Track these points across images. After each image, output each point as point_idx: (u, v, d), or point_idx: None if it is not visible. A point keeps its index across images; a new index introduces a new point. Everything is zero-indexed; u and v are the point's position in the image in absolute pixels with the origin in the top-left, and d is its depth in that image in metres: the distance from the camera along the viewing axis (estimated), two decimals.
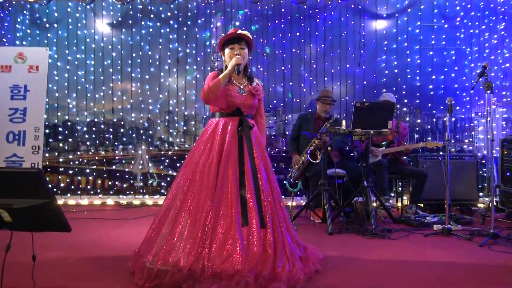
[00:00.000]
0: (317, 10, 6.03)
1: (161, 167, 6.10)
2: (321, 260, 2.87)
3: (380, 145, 4.95)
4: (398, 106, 5.88)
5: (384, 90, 5.79)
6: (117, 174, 6.07)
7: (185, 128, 6.18)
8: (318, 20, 6.04)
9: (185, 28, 6.08)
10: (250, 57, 3.07)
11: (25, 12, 6.06)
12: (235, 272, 2.33)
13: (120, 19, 6.08)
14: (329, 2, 5.98)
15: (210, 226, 2.49)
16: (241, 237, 2.45)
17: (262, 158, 2.78)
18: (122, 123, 6.14)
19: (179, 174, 2.79)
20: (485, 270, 2.87)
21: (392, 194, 5.44)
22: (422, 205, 5.08)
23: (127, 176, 6.07)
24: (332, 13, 6.02)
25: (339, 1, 5.95)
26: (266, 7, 6.03)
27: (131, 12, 6.08)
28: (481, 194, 5.53)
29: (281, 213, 2.71)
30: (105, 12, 6.07)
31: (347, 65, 6.02)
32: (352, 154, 5.12)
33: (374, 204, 4.45)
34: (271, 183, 2.76)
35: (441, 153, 5.30)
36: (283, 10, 6.03)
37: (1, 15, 6.03)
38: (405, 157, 5.09)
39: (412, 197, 4.90)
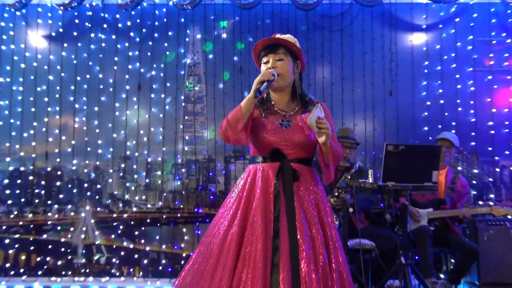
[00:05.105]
0: (330, 18, 6.16)
1: (113, 236, 6.01)
2: None
3: (425, 206, 4.94)
4: (457, 153, 5.88)
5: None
6: (49, 247, 5.95)
7: (147, 180, 6.13)
8: (332, 33, 6.16)
9: (150, 43, 6.16)
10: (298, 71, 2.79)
11: None
12: None
13: (61, 29, 6.17)
14: (346, 10, 6.11)
15: None
16: None
17: (310, 226, 2.58)
18: (58, 173, 6.08)
19: (197, 246, 2.70)
20: None
21: (442, 276, 5.34)
22: None
23: (63, 250, 5.94)
24: (352, 23, 6.14)
25: (361, 6, 6.09)
26: (262, 15, 6.17)
27: (76, 21, 6.18)
28: None
29: None
30: (41, 20, 6.16)
31: (374, 94, 6.08)
32: (383, 218, 5.06)
33: None
34: (322, 265, 2.51)
35: (509, 217, 5.25)
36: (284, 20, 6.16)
37: None
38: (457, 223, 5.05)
39: (452, 275, 4.89)
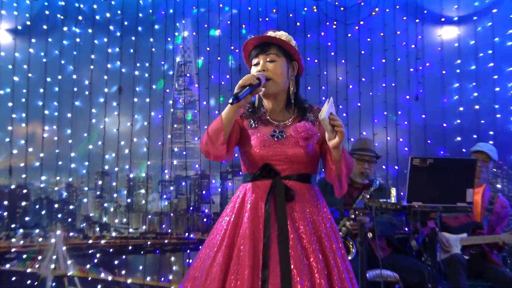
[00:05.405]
0: (342, 9, 6.12)
1: (88, 266, 5.98)
2: None
3: (459, 231, 4.84)
4: (495, 168, 5.82)
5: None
6: (13, 279, 5.90)
7: (129, 200, 6.12)
8: (348, 26, 6.13)
9: (133, 38, 6.14)
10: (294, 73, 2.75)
11: None
12: None
13: (28, 22, 6.13)
14: None
15: None
16: None
17: (308, 254, 2.55)
18: (24, 191, 6.06)
19: (182, 281, 2.71)
20: None
21: None
22: None
23: (29, 282, 5.90)
24: (373, 13, 6.11)
25: None
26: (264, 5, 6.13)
27: (46, 12, 6.14)
28: None
29: None
30: (5, 11, 6.13)
31: (397, 98, 6.05)
32: (409, 245, 4.98)
33: None
34: None
35: None
36: (291, 15, 6.11)
37: None
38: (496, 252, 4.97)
39: None
